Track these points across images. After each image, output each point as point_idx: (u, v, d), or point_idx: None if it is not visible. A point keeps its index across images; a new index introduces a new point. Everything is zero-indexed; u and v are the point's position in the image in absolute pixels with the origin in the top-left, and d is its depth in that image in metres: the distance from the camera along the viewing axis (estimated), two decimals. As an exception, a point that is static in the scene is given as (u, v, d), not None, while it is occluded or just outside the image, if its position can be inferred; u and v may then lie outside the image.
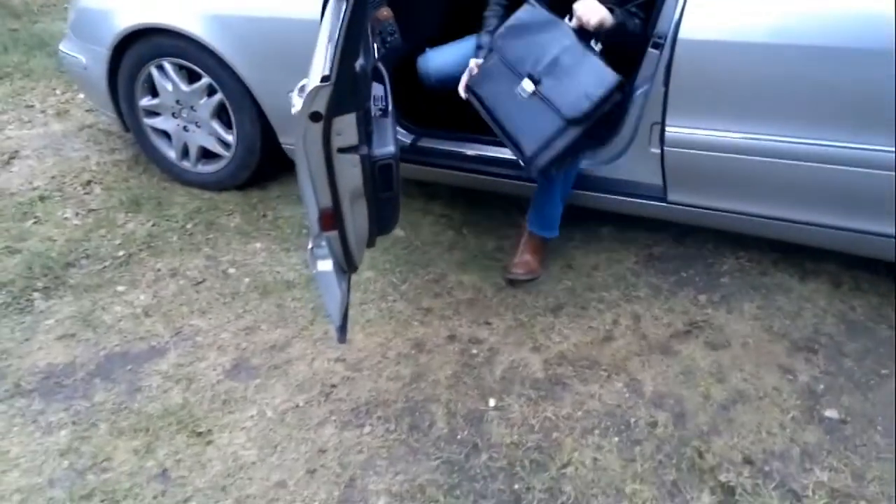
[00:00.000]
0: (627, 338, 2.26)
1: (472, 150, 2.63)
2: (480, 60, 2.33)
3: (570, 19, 2.17)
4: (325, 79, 1.55)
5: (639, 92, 2.24)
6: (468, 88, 2.32)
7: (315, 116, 1.59)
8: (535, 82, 2.12)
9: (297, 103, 1.66)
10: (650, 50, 2.18)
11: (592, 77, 2.05)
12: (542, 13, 2.20)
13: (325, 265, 1.80)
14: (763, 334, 2.26)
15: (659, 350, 2.22)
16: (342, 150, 1.67)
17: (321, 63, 1.65)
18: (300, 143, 1.64)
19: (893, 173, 1.99)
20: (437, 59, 2.56)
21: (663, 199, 2.38)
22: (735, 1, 2.05)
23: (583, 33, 2.13)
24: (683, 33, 2.08)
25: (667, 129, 2.21)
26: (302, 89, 1.69)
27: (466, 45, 2.50)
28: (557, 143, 2.10)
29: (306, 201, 1.76)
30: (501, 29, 2.25)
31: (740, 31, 2.04)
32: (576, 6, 2.14)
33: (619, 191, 2.44)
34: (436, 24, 2.94)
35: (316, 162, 1.65)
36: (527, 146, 2.14)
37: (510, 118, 2.19)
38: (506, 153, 2.50)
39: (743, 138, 2.13)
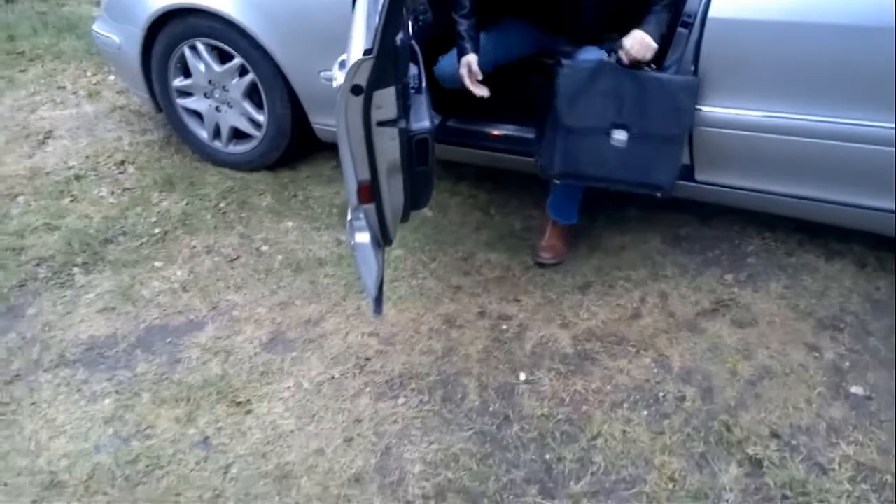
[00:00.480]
0: (655, 315, 2.30)
1: (498, 130, 2.67)
2: (473, 56, 2.33)
3: (611, 53, 2.21)
4: (367, 52, 1.59)
5: (668, 71, 2.27)
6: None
7: (356, 90, 1.63)
8: (626, 128, 2.17)
9: (338, 77, 1.70)
10: (679, 29, 2.20)
11: (669, 93, 2.13)
12: (581, 69, 2.20)
13: (363, 237, 1.85)
14: (789, 313, 2.29)
15: (686, 327, 2.26)
16: (381, 124, 1.71)
17: (361, 38, 1.69)
18: (341, 116, 1.68)
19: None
20: (450, 66, 2.54)
21: (691, 179, 2.40)
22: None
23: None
24: (713, 12, 2.10)
25: (697, 108, 2.24)
26: (342, 64, 1.73)
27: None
28: (679, 158, 2.23)
29: (346, 174, 1.80)
30: (562, 105, 2.21)
31: (768, 10, 2.06)
32: (626, 43, 2.15)
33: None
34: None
35: (356, 135, 1.69)
36: (664, 180, 2.24)
37: (625, 168, 2.22)
38: (530, 133, 2.54)
39: (769, 117, 2.16)
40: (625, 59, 2.17)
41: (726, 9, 2.10)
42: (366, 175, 1.77)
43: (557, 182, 2.38)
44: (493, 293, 2.41)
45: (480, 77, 2.33)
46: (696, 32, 2.14)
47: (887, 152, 2.06)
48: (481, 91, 2.33)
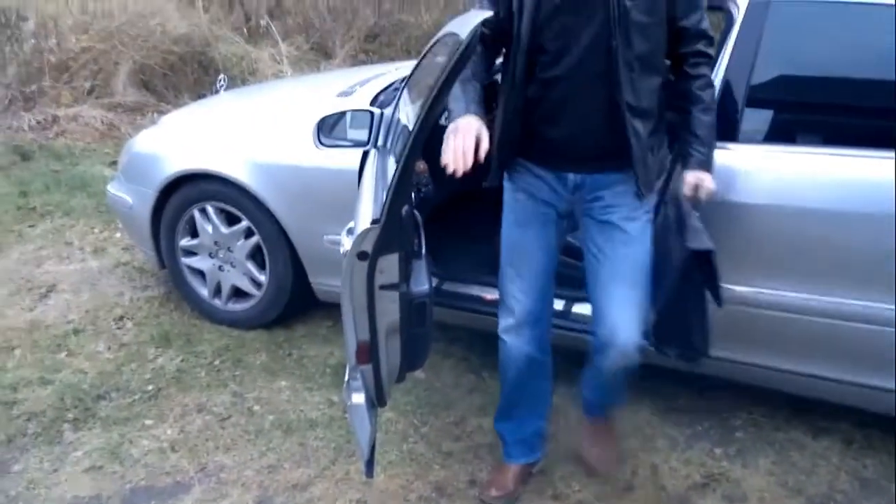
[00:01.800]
0: (647, 489, 2.29)
1: (491, 295, 2.76)
2: (473, 119, 1.82)
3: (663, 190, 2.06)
4: (375, 221, 1.70)
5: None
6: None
7: (362, 255, 1.74)
8: None
9: (345, 243, 1.81)
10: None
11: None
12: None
13: (359, 398, 1.89)
14: (779, 489, 2.29)
15: (678, 502, 2.24)
16: (384, 287, 1.80)
17: (368, 207, 1.82)
18: (346, 279, 1.77)
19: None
20: None
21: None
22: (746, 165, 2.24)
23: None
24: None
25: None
26: (350, 231, 1.84)
27: None
28: None
29: (346, 335, 1.86)
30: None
31: (772, 194, 2.23)
32: (690, 179, 1.94)
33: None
34: (465, 178, 3.14)
35: (359, 297, 1.78)
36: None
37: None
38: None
39: (769, 294, 2.27)
40: (686, 191, 1.96)
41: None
42: (365, 335, 1.84)
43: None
44: (484, 460, 2.40)
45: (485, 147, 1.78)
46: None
47: (888, 332, 2.15)
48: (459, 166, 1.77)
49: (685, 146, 1.97)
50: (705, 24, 1.92)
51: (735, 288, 2.28)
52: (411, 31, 7.59)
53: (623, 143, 1.85)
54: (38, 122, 5.66)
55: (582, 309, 2.55)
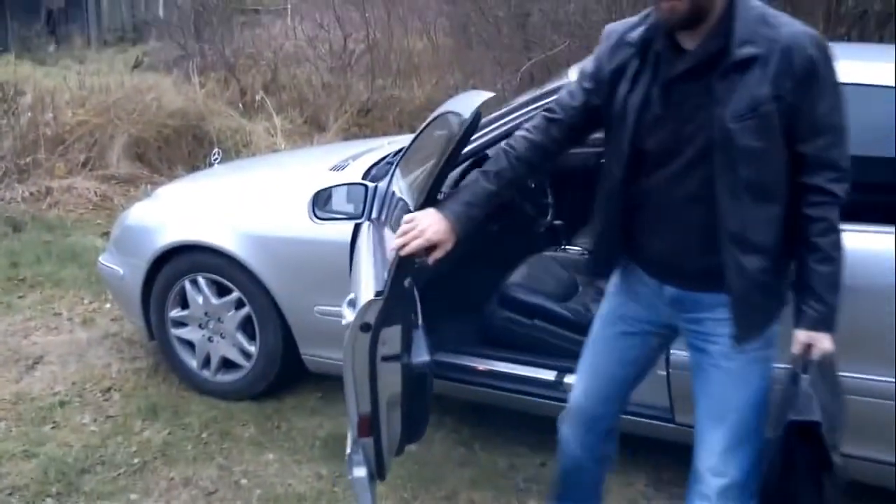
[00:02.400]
0: (642, 563, 2.24)
1: (483, 365, 2.75)
2: (437, 223, 1.77)
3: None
4: (378, 294, 1.71)
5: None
6: None
7: (365, 327, 1.75)
8: None
9: (347, 315, 1.82)
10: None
11: None
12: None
13: (361, 471, 1.87)
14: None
15: (674, 577, 2.19)
16: (386, 359, 1.80)
17: (370, 279, 1.84)
18: (349, 351, 1.78)
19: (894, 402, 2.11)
20: None
21: (671, 420, 2.46)
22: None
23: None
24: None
25: (672, 352, 2.34)
26: (351, 303, 1.85)
27: None
28: None
29: (349, 408, 1.86)
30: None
31: None
32: (801, 337, 1.66)
33: (628, 411, 2.52)
34: (461, 254, 3.16)
35: (361, 369, 1.78)
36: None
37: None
38: (520, 370, 2.62)
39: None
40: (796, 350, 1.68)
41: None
42: (367, 408, 1.83)
43: None
44: (476, 535, 2.35)
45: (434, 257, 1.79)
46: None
47: (888, 406, 2.15)
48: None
49: (798, 298, 1.67)
50: (835, 154, 1.60)
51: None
52: (403, 105, 7.77)
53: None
54: (32, 194, 5.70)
55: (573, 380, 2.54)
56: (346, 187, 2.52)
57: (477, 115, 1.77)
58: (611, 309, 1.92)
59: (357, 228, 2.65)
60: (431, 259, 1.78)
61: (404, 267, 1.76)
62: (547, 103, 2.01)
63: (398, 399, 1.87)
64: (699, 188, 1.64)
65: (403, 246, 1.75)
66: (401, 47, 8.63)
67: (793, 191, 1.63)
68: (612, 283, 1.92)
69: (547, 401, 2.55)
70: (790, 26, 1.58)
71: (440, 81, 7.98)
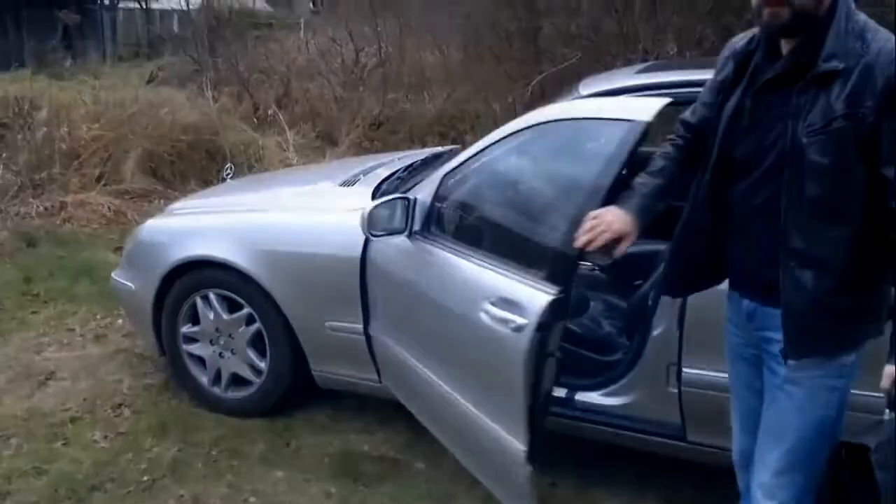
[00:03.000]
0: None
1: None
2: (621, 216, 1.77)
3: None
4: (560, 292, 1.97)
5: (655, 333, 2.38)
6: None
7: (543, 327, 1.95)
8: None
9: (499, 313, 2.07)
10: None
11: None
12: None
13: None
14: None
15: None
16: (550, 355, 2.05)
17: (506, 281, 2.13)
18: (521, 351, 1.98)
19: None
20: None
21: (683, 439, 2.43)
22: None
23: None
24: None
25: (683, 370, 2.32)
26: (506, 301, 2.07)
27: None
28: None
29: (515, 407, 2.03)
30: None
31: None
32: (889, 370, 1.55)
33: (640, 429, 2.50)
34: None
35: (528, 368, 1.97)
36: None
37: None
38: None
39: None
40: None
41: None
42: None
43: None
44: (486, 555, 2.32)
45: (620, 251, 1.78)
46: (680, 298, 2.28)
47: None
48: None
49: (893, 330, 1.56)
50: None
51: (705, 373, 2.27)
52: (415, 120, 7.79)
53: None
54: (46, 209, 5.75)
55: (584, 397, 2.53)
56: (393, 201, 2.54)
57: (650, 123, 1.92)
58: (727, 345, 1.89)
59: (367, 244, 2.66)
60: (618, 252, 1.76)
61: (579, 264, 1.88)
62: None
63: (549, 393, 2.03)
64: (769, 200, 1.61)
65: (588, 242, 1.76)
66: (412, 61, 8.68)
67: (879, 215, 1.53)
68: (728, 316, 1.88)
69: (558, 418, 2.52)
70: (882, 42, 1.51)
71: (451, 95, 8.00)
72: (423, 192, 2.57)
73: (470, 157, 2.56)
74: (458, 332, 2.31)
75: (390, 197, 2.59)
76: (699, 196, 1.77)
